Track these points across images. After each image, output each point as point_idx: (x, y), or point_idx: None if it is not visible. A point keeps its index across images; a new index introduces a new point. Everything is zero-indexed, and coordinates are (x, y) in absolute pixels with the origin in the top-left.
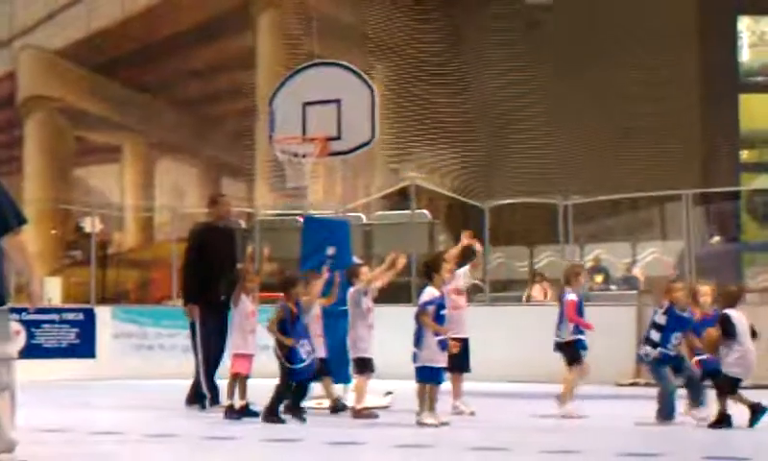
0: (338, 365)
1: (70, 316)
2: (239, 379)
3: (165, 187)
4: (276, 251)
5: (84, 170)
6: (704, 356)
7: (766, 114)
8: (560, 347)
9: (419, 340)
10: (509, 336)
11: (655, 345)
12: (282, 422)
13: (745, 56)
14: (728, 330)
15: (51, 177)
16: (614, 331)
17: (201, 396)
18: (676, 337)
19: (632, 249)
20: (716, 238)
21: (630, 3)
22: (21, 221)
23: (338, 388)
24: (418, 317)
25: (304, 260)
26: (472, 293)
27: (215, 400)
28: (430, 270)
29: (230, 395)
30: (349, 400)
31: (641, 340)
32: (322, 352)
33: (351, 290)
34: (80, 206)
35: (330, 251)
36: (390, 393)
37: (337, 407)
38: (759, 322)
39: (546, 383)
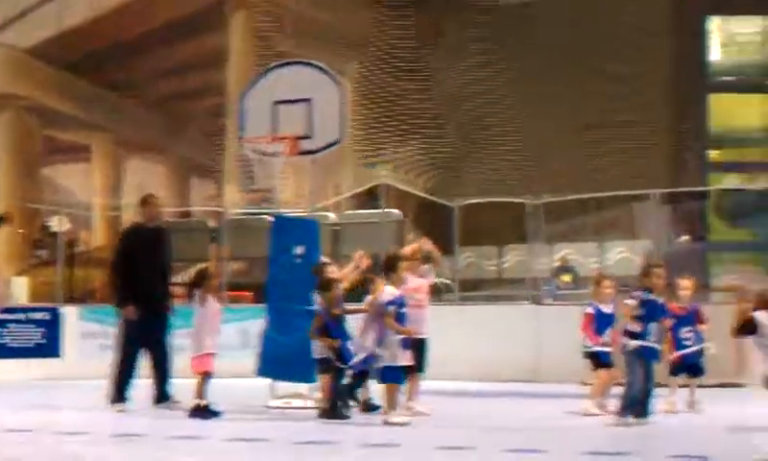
0: (302, 365)
1: (37, 316)
2: (205, 379)
3: (134, 186)
4: (246, 250)
5: (53, 169)
6: (688, 350)
7: (735, 114)
8: (586, 355)
9: (381, 340)
10: (477, 335)
11: (635, 336)
12: (346, 417)
13: (715, 55)
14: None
15: (18, 176)
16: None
17: (166, 395)
18: (653, 327)
19: (600, 248)
20: (684, 237)
21: (601, 2)
22: None
23: (302, 387)
24: (379, 317)
25: (273, 259)
26: (442, 292)
27: (121, 399)
28: (388, 269)
29: (201, 394)
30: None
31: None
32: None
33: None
34: (47, 205)
35: (299, 250)
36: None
37: (368, 406)
38: (725, 320)
39: (514, 382)
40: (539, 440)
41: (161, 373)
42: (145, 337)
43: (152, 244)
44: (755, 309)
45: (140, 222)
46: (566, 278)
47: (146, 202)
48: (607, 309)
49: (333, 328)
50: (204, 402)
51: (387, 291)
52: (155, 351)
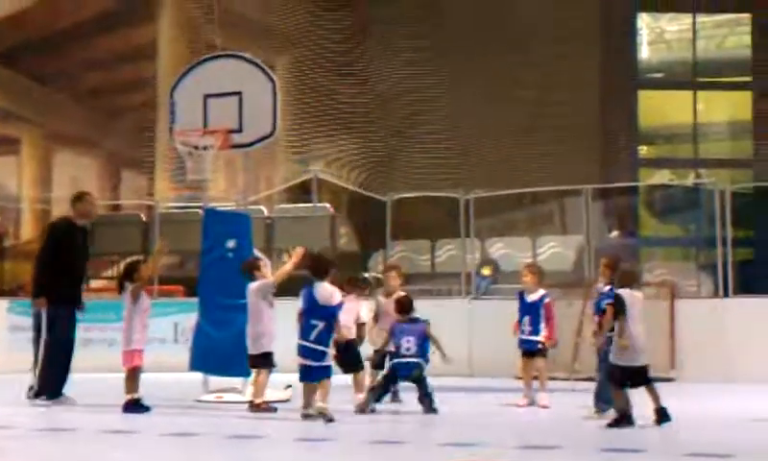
0: (236, 359)
1: None
2: (136, 373)
3: (64, 180)
4: (178, 243)
5: None
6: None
7: (664, 111)
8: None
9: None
10: None
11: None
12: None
13: (644, 53)
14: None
15: None
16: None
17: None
18: None
19: (532, 243)
20: (615, 233)
21: None
22: None
23: (236, 382)
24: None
25: (205, 253)
26: (373, 287)
27: (56, 395)
28: (324, 273)
29: (132, 389)
30: (248, 394)
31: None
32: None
33: (256, 284)
34: None
35: (231, 243)
36: (290, 386)
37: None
38: (656, 315)
39: (447, 376)
40: (474, 434)
41: (64, 369)
42: (62, 331)
43: (79, 241)
44: (619, 287)
45: (70, 217)
46: (486, 270)
47: (80, 198)
48: (529, 298)
49: None
50: (135, 396)
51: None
52: (64, 347)
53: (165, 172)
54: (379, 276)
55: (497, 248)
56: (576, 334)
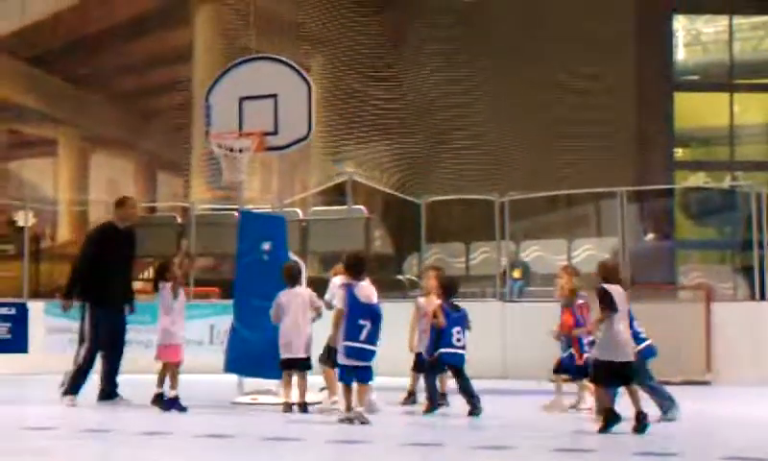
0: (270, 361)
1: (2, 310)
2: (174, 369)
3: (100, 182)
4: (213, 246)
5: (18, 164)
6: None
7: (700, 113)
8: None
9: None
10: None
11: None
12: None
13: (680, 55)
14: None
15: None
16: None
17: (114, 393)
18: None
19: (567, 245)
20: (651, 235)
21: (568, 3)
22: None
23: (271, 383)
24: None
25: (241, 255)
26: (409, 289)
27: (113, 395)
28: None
29: (173, 385)
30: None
31: None
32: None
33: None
34: (13, 199)
35: (266, 246)
36: (324, 389)
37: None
38: (692, 318)
39: (481, 379)
40: (509, 436)
41: (113, 371)
42: (107, 336)
43: (121, 245)
44: (602, 282)
45: (112, 222)
46: (516, 273)
47: (122, 203)
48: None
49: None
50: (173, 393)
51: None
52: (111, 350)
53: (201, 174)
54: (413, 278)
55: (532, 250)
56: None
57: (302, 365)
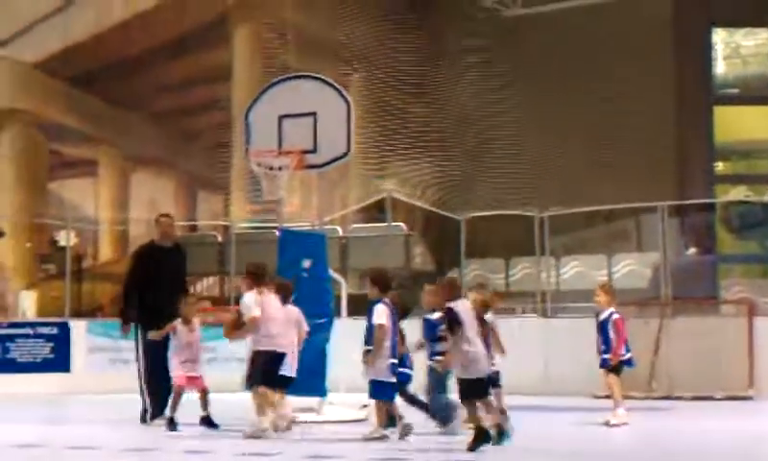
0: (313, 378)
1: (45, 330)
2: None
3: (140, 201)
4: None
5: (59, 184)
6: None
7: (740, 126)
8: None
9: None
10: None
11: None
12: None
13: (719, 68)
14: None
15: (26, 190)
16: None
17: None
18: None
19: (607, 260)
20: (692, 250)
21: (605, 16)
22: None
23: (313, 402)
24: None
25: (281, 273)
26: None
27: (158, 413)
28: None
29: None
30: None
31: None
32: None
33: None
34: (54, 219)
35: (306, 263)
36: (366, 406)
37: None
38: (734, 333)
39: (522, 395)
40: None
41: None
42: (155, 355)
43: (164, 263)
44: (447, 300)
45: (153, 241)
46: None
47: (156, 221)
48: (600, 316)
49: None
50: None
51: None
52: (161, 370)
53: (240, 193)
54: None
55: (572, 266)
56: (653, 353)
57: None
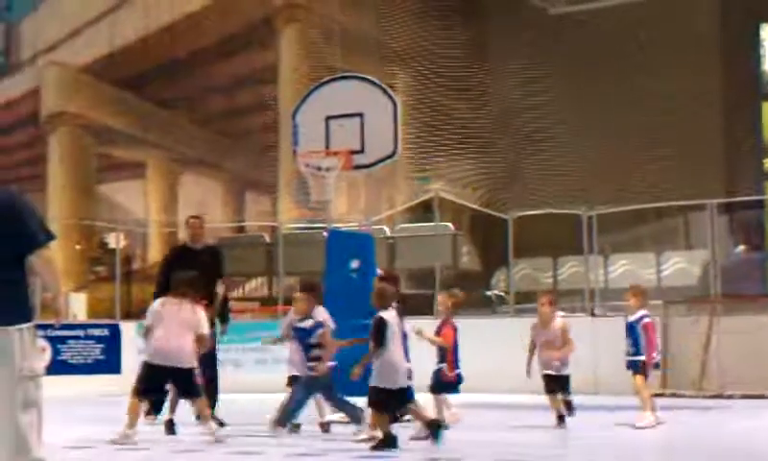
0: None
1: (95, 332)
2: None
3: (189, 202)
4: (301, 264)
5: (108, 186)
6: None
7: None
8: None
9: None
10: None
11: None
12: None
13: (767, 64)
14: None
15: (75, 193)
16: None
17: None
18: None
19: (656, 258)
20: (741, 247)
21: (651, 12)
22: (49, 237)
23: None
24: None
25: (329, 274)
26: (497, 304)
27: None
28: None
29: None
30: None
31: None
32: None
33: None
34: (104, 221)
35: (355, 264)
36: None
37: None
38: None
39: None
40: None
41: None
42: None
43: (195, 265)
44: (378, 308)
45: (185, 243)
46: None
47: (186, 223)
48: (629, 318)
49: None
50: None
51: None
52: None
53: (288, 193)
54: (501, 294)
55: (620, 265)
56: (703, 351)
57: None
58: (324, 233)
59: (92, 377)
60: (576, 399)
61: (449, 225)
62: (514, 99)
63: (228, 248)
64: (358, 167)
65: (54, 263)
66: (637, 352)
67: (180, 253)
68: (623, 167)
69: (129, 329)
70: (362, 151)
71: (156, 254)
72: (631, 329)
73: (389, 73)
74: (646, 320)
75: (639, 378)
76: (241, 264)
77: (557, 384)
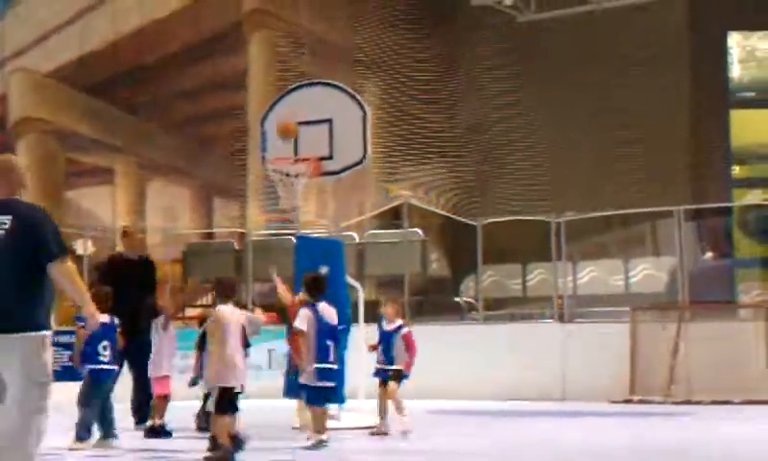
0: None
1: (63, 339)
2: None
3: (157, 209)
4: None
5: (76, 192)
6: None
7: (757, 130)
8: None
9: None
10: (501, 354)
11: None
12: None
13: (735, 71)
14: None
15: (42, 199)
16: None
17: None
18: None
19: (624, 265)
20: (709, 254)
21: (619, 20)
22: (62, 251)
23: (332, 408)
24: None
25: (298, 280)
26: (465, 311)
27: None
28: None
29: (161, 416)
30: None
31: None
32: None
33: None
34: (71, 228)
35: (324, 270)
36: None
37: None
38: (753, 336)
39: (539, 401)
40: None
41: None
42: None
43: (131, 276)
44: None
45: (121, 252)
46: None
47: (125, 234)
48: (385, 327)
49: None
50: (159, 422)
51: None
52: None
53: (257, 200)
54: (470, 300)
55: (589, 271)
56: (671, 357)
57: None
58: (293, 240)
59: (56, 385)
60: (545, 405)
61: (419, 231)
62: (483, 106)
63: (196, 254)
64: (327, 174)
65: (72, 275)
66: (391, 362)
67: (116, 263)
68: (592, 175)
69: None
70: (331, 157)
71: None
72: (386, 338)
73: (359, 81)
74: (405, 330)
75: (393, 384)
76: (210, 271)
77: None
